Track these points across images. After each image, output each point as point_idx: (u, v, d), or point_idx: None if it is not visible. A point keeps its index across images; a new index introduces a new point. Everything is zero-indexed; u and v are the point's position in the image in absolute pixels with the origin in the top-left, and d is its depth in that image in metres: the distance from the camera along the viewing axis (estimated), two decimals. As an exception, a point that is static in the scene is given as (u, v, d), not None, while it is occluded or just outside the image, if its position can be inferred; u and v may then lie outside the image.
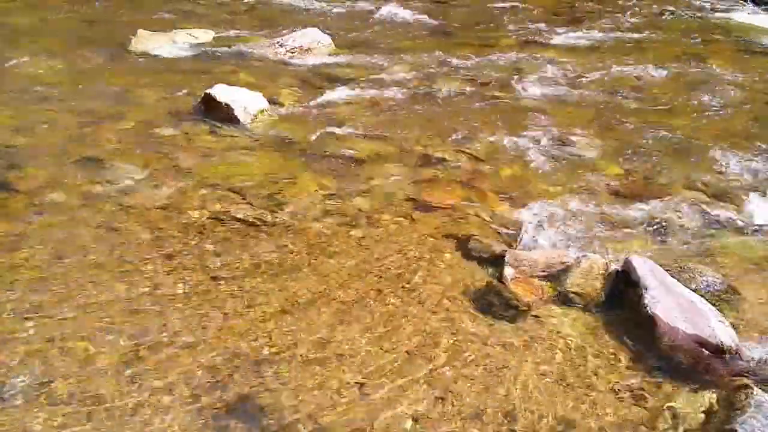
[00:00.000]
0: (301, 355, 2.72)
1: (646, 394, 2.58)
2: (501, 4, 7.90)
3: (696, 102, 5.29)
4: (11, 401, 2.45)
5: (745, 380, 2.56)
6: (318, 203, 3.81)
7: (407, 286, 3.15)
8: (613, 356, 2.76)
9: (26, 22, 6.90)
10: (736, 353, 2.67)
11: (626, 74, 5.82)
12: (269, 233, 3.52)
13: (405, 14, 7.54)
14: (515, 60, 6.10)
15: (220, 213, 3.67)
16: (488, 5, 7.92)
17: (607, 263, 3.15)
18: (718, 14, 7.59)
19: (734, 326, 2.80)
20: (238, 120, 4.69)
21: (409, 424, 2.43)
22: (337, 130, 4.66)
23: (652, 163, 4.34)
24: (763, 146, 4.52)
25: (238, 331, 2.83)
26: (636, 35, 6.92)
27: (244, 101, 4.77)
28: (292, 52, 6.12)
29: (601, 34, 6.94)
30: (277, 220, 3.63)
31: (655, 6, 7.94)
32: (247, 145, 4.48)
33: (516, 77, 5.71)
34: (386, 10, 7.59)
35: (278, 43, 6.22)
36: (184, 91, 5.22)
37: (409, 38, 6.80)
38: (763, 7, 7.77)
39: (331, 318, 2.93)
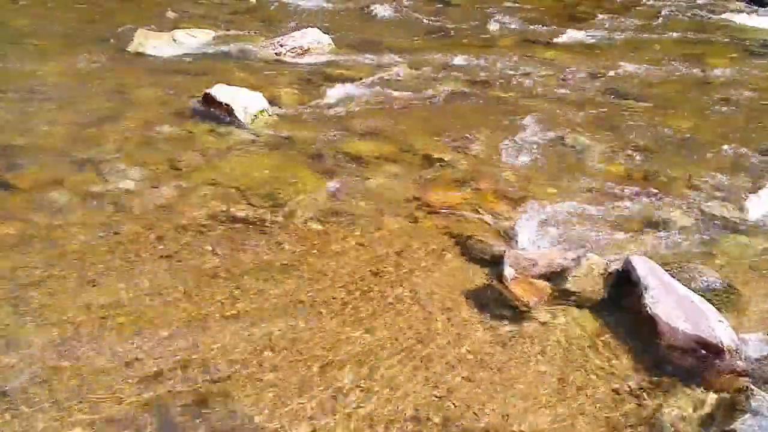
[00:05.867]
0: (300, 356, 2.72)
1: (646, 394, 2.58)
2: (500, 4, 7.90)
3: (696, 102, 5.29)
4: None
5: (745, 380, 2.57)
6: (318, 203, 3.81)
7: (407, 286, 3.15)
8: (613, 356, 2.76)
9: (26, 22, 6.90)
10: (736, 353, 2.67)
11: (626, 74, 5.82)
12: (269, 233, 3.52)
13: (405, 14, 7.55)
14: (515, 60, 6.11)
15: (219, 213, 3.67)
16: (487, 5, 7.93)
17: (607, 263, 3.14)
18: (717, 14, 7.59)
19: (734, 326, 2.80)
20: (238, 120, 4.69)
21: (409, 425, 2.44)
22: (337, 130, 4.66)
23: (652, 162, 4.33)
24: (763, 146, 4.53)
25: (237, 332, 2.84)
26: (636, 35, 6.93)
27: (244, 101, 4.77)
28: (292, 52, 6.12)
29: (601, 34, 6.94)
30: (278, 219, 3.63)
31: (654, 6, 7.94)
32: (247, 145, 4.48)
33: (515, 77, 5.71)
34: (386, 10, 7.60)
35: (278, 43, 6.23)
36: (184, 91, 5.22)
37: (409, 38, 6.81)
38: (762, 7, 7.77)
39: (330, 318, 2.93)
